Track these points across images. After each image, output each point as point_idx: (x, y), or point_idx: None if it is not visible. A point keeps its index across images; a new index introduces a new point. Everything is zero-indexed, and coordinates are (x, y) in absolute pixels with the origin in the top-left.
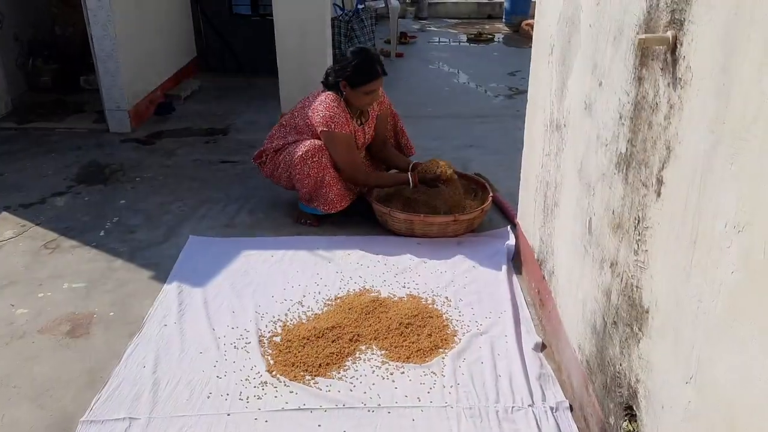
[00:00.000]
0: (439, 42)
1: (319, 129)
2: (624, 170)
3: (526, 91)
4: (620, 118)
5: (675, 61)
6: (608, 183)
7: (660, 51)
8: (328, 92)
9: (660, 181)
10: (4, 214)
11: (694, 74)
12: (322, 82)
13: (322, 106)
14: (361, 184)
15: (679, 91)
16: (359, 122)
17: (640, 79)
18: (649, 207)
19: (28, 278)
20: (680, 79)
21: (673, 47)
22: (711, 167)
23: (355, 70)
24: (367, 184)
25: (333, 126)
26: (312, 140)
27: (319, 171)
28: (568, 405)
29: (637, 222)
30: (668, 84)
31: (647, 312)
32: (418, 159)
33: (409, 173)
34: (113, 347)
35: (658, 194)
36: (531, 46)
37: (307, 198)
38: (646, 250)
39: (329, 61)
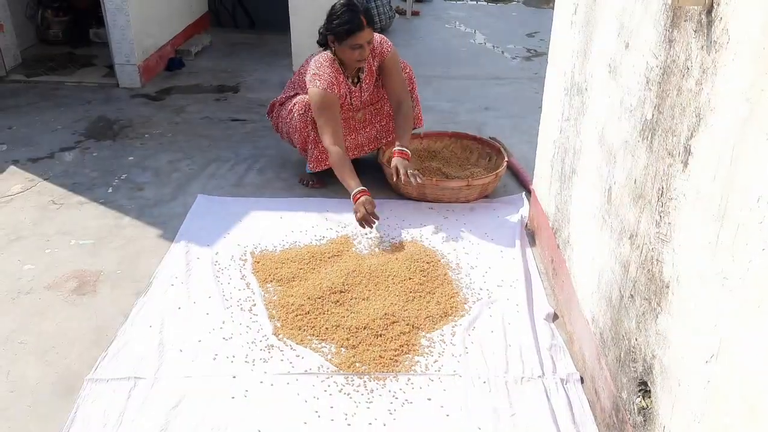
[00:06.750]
0: (456, 0)
1: (308, 87)
2: (649, 138)
3: (544, 54)
4: (647, 82)
5: (710, 23)
6: (631, 151)
7: (694, 11)
8: (325, 52)
9: (687, 151)
10: (13, 168)
11: (731, 37)
12: (317, 42)
13: (314, 64)
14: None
15: (714, 54)
16: (355, 81)
17: (670, 42)
18: (674, 177)
19: (35, 234)
20: (715, 42)
21: (710, 7)
22: (745, 137)
23: (339, 23)
24: (329, 154)
25: (318, 83)
26: (303, 96)
27: (305, 126)
28: (579, 377)
29: (660, 193)
30: (701, 47)
31: (667, 287)
32: (432, 123)
33: (355, 191)
34: (120, 305)
35: (685, 164)
36: (551, 7)
37: (304, 155)
38: (669, 223)
39: None
